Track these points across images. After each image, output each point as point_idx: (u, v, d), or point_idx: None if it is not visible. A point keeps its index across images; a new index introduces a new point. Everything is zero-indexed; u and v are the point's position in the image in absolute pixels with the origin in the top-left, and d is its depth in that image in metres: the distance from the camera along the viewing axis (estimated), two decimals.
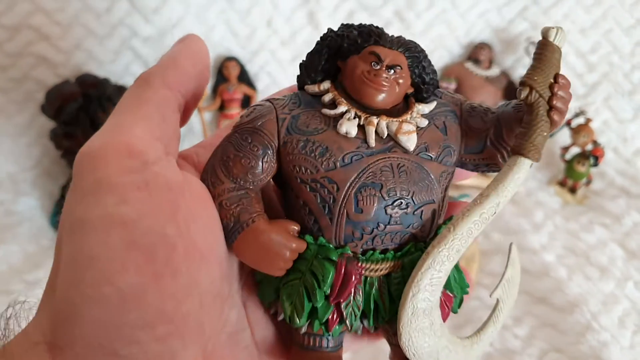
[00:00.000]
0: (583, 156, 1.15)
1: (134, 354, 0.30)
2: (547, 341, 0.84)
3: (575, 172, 1.16)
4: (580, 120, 1.15)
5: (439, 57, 1.25)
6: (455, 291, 0.39)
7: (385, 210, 0.35)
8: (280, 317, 0.38)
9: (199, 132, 1.16)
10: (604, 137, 1.24)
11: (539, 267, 0.97)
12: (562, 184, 1.19)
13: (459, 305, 0.40)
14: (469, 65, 1.22)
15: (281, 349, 0.41)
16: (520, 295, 0.90)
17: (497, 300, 0.40)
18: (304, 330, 0.38)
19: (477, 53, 1.22)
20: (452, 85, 1.20)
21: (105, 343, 0.29)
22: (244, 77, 1.15)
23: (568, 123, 1.16)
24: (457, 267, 0.39)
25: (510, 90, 1.23)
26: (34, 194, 1.07)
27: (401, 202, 0.35)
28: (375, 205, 0.35)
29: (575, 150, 1.17)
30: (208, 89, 1.15)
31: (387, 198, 0.35)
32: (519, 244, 1.02)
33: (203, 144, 0.40)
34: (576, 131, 1.15)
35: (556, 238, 1.05)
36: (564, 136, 1.19)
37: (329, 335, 0.38)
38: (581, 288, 0.93)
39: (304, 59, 0.39)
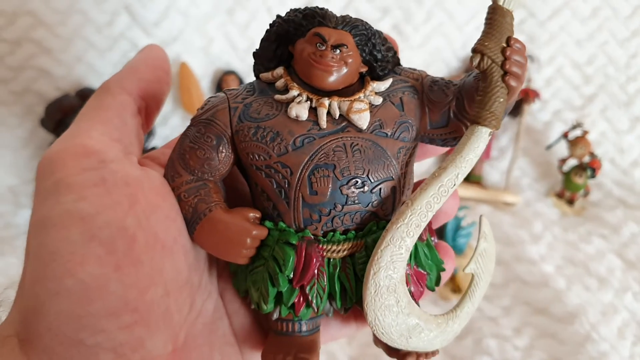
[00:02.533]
0: (580, 168, 1.15)
1: (101, 342, 0.31)
2: (547, 352, 0.84)
3: (573, 183, 1.16)
4: (578, 132, 1.16)
5: (436, 70, 1.26)
6: (427, 268, 0.39)
7: (341, 191, 0.35)
8: (253, 306, 0.38)
9: None
10: (600, 148, 1.25)
11: (538, 278, 0.97)
12: (559, 195, 1.19)
13: (437, 283, 0.40)
14: None
15: (259, 337, 0.42)
16: (519, 306, 0.91)
17: (472, 275, 0.40)
18: (275, 316, 0.38)
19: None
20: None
21: (71, 334, 0.30)
22: None
23: (565, 135, 1.17)
24: (428, 244, 0.39)
25: None
26: None
27: (356, 181, 0.35)
28: (329, 186, 0.35)
29: (572, 162, 1.18)
30: None
31: (341, 178, 0.35)
32: (518, 255, 1.02)
33: (169, 145, 0.41)
34: (573, 143, 1.15)
35: (555, 249, 1.05)
36: (561, 148, 1.20)
37: (300, 319, 0.38)
38: (580, 298, 0.93)
39: (257, 48, 0.39)
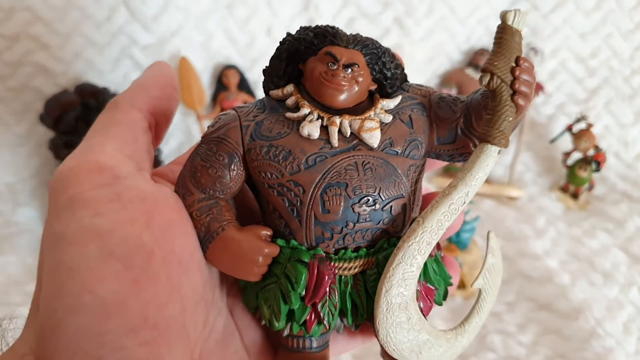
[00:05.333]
0: (585, 161, 1.15)
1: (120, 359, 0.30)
2: (552, 348, 0.83)
3: (577, 177, 1.15)
4: (582, 125, 1.15)
5: (439, 64, 1.25)
6: (436, 284, 0.39)
7: (353, 209, 0.35)
8: (263, 322, 0.38)
9: (198, 140, 1.16)
10: (605, 141, 1.24)
11: (542, 273, 0.96)
12: (564, 189, 1.19)
13: (444, 297, 0.40)
14: (470, 72, 1.21)
15: (270, 352, 0.41)
16: (523, 302, 0.90)
17: (480, 290, 0.40)
18: (286, 332, 0.38)
19: (477, 59, 1.21)
20: (453, 92, 1.20)
21: (91, 351, 0.30)
22: (244, 85, 1.14)
23: (569, 128, 1.16)
24: (436, 260, 0.39)
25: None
26: (33, 204, 1.07)
27: (368, 199, 0.35)
28: (341, 204, 0.35)
29: (577, 155, 1.17)
30: (208, 97, 1.14)
31: (353, 196, 0.35)
32: (522, 250, 1.01)
33: (178, 161, 0.42)
34: (578, 137, 1.15)
35: (559, 244, 1.05)
36: (565, 142, 1.19)
37: (311, 336, 0.38)
38: (585, 294, 0.92)
39: (267, 65, 0.40)
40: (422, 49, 1.22)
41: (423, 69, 1.23)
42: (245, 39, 1.15)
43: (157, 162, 1.03)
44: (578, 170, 1.15)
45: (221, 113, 0.38)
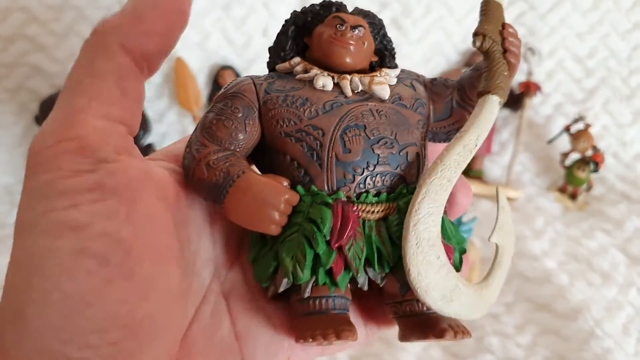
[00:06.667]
0: (583, 162, 1.14)
1: (87, 357, 0.29)
2: (551, 349, 0.83)
3: (576, 178, 1.15)
4: (580, 126, 1.15)
5: (436, 64, 1.24)
6: (454, 242, 0.38)
7: (373, 149, 0.36)
8: (281, 288, 0.36)
9: None
10: (603, 142, 1.24)
11: (540, 274, 0.96)
12: (562, 190, 1.18)
13: (460, 263, 0.38)
14: None
15: (267, 337, 0.39)
16: (521, 303, 0.90)
17: (497, 245, 0.41)
18: (307, 292, 0.36)
19: (474, 60, 1.21)
20: None
21: (55, 347, 0.28)
22: None
23: (567, 129, 1.15)
24: (452, 222, 0.40)
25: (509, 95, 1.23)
26: None
27: (386, 141, 0.37)
28: (362, 143, 0.36)
29: (575, 156, 1.17)
30: (204, 98, 1.14)
31: (372, 137, 0.36)
32: (520, 251, 1.01)
33: (184, 139, 0.39)
34: (575, 137, 1.14)
35: (557, 244, 1.04)
36: (563, 142, 1.19)
37: (335, 294, 0.36)
38: (584, 294, 0.91)
39: (273, 42, 0.41)
40: (420, 49, 1.22)
41: (420, 69, 1.22)
42: (241, 39, 1.15)
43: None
44: (576, 171, 1.15)
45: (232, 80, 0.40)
